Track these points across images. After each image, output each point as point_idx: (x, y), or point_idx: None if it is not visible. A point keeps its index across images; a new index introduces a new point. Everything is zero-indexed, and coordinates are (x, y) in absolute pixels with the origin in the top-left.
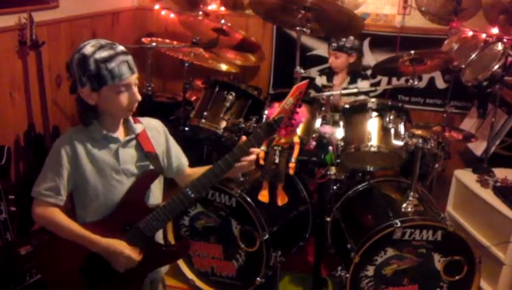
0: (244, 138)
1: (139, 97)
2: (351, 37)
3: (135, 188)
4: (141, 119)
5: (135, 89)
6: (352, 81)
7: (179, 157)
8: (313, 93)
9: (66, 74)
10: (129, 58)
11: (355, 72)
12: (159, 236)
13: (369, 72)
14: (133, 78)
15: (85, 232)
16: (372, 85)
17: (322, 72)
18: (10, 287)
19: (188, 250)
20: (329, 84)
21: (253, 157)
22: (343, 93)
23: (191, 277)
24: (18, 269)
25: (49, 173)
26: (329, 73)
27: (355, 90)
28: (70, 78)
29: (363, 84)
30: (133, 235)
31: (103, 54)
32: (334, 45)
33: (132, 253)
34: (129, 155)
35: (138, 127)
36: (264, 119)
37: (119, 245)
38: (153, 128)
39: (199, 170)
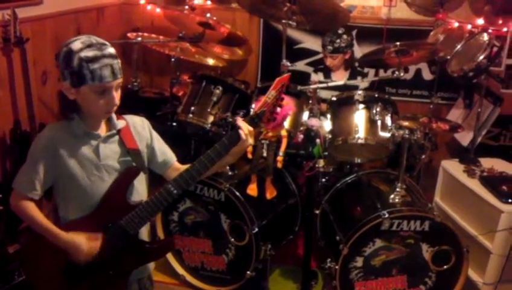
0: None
1: (117, 102)
2: (344, 36)
3: (116, 185)
4: (125, 116)
5: (115, 94)
6: (352, 77)
7: (164, 152)
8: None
9: (55, 63)
10: (115, 62)
11: (354, 69)
12: (143, 233)
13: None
14: (115, 83)
15: (51, 226)
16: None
17: (317, 70)
18: None
19: (172, 248)
20: (327, 80)
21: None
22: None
23: (181, 272)
24: (6, 268)
25: (27, 167)
26: (326, 70)
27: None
28: (58, 68)
29: (364, 84)
30: (114, 233)
31: (89, 53)
32: (330, 48)
33: (90, 247)
34: (111, 151)
35: (120, 123)
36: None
37: (77, 239)
38: (137, 125)
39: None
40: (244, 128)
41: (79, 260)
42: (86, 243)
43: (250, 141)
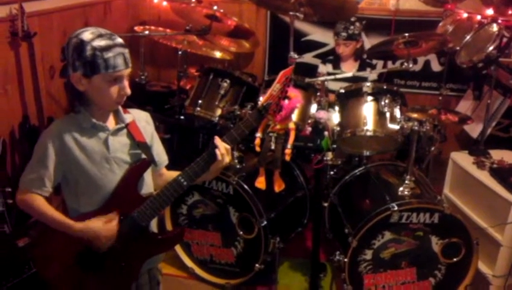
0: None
1: (128, 91)
2: (357, 23)
3: (128, 177)
4: (130, 110)
5: (126, 83)
6: (362, 69)
7: (160, 153)
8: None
9: (60, 57)
10: (126, 51)
11: (363, 60)
12: (152, 225)
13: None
14: (126, 72)
15: (62, 217)
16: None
17: (326, 61)
18: (9, 280)
19: (183, 237)
20: (336, 72)
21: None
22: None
23: (190, 265)
24: (16, 261)
25: (35, 164)
26: (335, 61)
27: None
28: (63, 61)
29: (372, 76)
30: (127, 225)
31: (101, 42)
32: (344, 34)
33: (108, 230)
34: (120, 144)
35: (128, 117)
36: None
37: (94, 225)
38: (142, 120)
39: (174, 174)
40: (221, 147)
41: (101, 245)
42: (103, 227)
43: (227, 159)
